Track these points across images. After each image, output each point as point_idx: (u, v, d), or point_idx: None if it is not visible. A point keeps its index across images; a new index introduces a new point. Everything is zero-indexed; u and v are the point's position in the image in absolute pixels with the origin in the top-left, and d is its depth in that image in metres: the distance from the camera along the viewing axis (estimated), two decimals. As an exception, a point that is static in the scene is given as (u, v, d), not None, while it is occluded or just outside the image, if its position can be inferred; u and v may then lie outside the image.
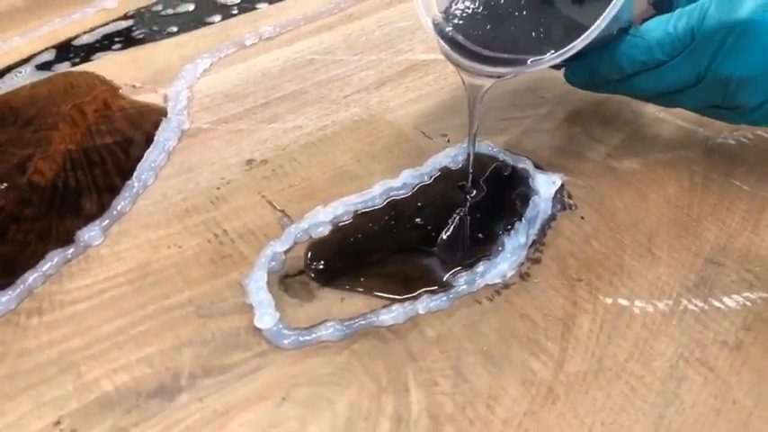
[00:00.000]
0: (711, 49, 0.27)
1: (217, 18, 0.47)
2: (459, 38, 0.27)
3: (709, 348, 0.25)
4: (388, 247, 0.28)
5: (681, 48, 0.28)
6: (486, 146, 0.33)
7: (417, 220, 0.29)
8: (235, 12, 0.47)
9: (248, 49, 0.42)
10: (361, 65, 0.40)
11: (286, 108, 0.37)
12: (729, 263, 0.28)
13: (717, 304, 0.26)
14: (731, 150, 0.33)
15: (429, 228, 0.29)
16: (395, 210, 0.30)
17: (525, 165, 0.32)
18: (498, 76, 0.27)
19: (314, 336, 0.25)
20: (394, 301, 0.26)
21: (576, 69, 0.31)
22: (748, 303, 0.26)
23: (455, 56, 0.27)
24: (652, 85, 0.29)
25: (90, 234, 0.29)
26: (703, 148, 0.33)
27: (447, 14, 0.28)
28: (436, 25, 0.28)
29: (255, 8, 0.47)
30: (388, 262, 0.28)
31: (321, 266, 0.28)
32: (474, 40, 0.27)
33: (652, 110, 0.36)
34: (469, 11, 0.29)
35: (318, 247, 0.28)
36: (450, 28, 0.28)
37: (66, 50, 0.44)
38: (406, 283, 0.27)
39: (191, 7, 0.49)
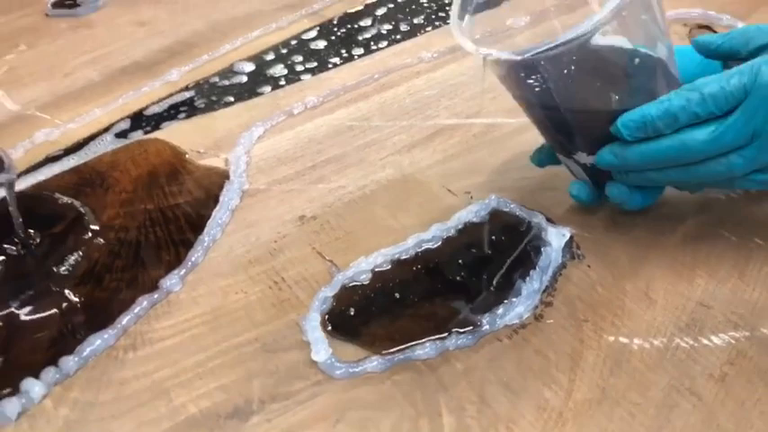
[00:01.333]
0: (766, 105, 0.29)
1: (267, 89, 0.53)
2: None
3: (697, 380, 0.29)
4: (420, 292, 0.33)
5: (734, 102, 0.30)
6: (504, 202, 0.38)
7: (446, 268, 0.35)
8: (282, 83, 0.54)
9: (296, 117, 0.48)
10: (394, 130, 0.46)
11: (330, 170, 0.42)
12: (717, 305, 0.32)
13: (705, 342, 0.30)
14: (722, 205, 0.38)
15: (456, 275, 0.34)
16: (426, 259, 0.35)
17: (538, 219, 0.37)
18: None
19: (361, 368, 0.30)
20: (427, 339, 0.31)
21: (629, 120, 0.31)
22: (733, 341, 0.30)
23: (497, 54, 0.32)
24: (708, 144, 0.30)
25: (171, 282, 0.35)
26: (697, 203, 0.38)
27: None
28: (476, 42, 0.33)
29: (300, 79, 0.54)
30: (420, 305, 0.33)
31: (364, 312, 0.33)
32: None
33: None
34: None
35: (362, 293, 0.34)
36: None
37: (138, 120, 0.51)
38: (438, 324, 0.32)
39: (244, 79, 0.55)
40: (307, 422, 0.28)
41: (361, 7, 0.64)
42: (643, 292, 0.33)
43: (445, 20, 0.61)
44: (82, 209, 0.40)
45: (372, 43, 0.59)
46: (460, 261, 0.35)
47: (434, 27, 0.60)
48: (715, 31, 0.54)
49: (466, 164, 0.42)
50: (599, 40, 0.31)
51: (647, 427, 0.27)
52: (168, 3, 0.66)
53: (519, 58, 0.31)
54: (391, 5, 0.65)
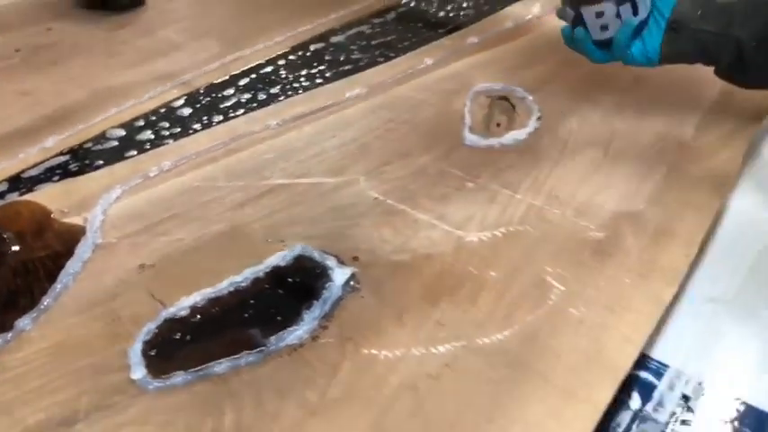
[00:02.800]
0: None
1: (134, 153, 0.62)
2: None
3: (421, 379, 0.39)
4: (226, 322, 0.43)
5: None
6: (308, 248, 0.48)
7: (251, 302, 0.44)
8: (147, 147, 0.62)
9: (152, 179, 0.57)
10: (232, 189, 0.55)
11: (174, 224, 0.51)
12: (449, 323, 0.43)
13: (433, 350, 0.41)
14: (478, 245, 0.49)
15: (256, 308, 0.43)
16: (235, 296, 0.44)
17: (331, 262, 0.47)
18: None
19: (169, 382, 0.39)
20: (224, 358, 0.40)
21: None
22: (452, 349, 0.41)
23: None
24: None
25: (24, 323, 0.43)
26: (454, 244, 0.49)
27: None
28: None
29: (163, 144, 0.63)
30: (224, 332, 0.42)
31: (180, 339, 0.41)
32: None
33: (425, 217, 0.51)
34: None
35: (180, 325, 0.42)
36: None
37: (16, 182, 0.58)
38: (236, 346, 0.41)
39: (115, 143, 0.64)
40: (121, 426, 0.37)
41: (226, 77, 0.74)
42: (398, 316, 0.43)
43: (297, 91, 0.71)
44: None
45: (231, 111, 0.69)
46: (262, 297, 0.44)
47: (287, 96, 0.71)
48: (512, 104, 0.67)
49: (287, 218, 0.52)
50: None
51: (377, 414, 0.37)
52: (52, 74, 0.74)
53: None
54: (253, 76, 0.75)
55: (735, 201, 0.55)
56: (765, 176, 0.58)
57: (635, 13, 0.57)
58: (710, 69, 0.59)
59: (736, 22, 0.54)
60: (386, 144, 0.61)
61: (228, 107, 0.69)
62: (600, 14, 0.58)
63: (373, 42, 0.83)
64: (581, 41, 0.60)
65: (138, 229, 0.51)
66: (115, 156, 0.62)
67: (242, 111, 0.69)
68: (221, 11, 0.89)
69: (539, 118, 0.64)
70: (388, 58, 0.78)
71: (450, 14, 0.91)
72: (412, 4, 0.94)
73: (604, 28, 0.58)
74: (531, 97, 0.67)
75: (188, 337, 0.42)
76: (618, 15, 0.57)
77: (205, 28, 0.84)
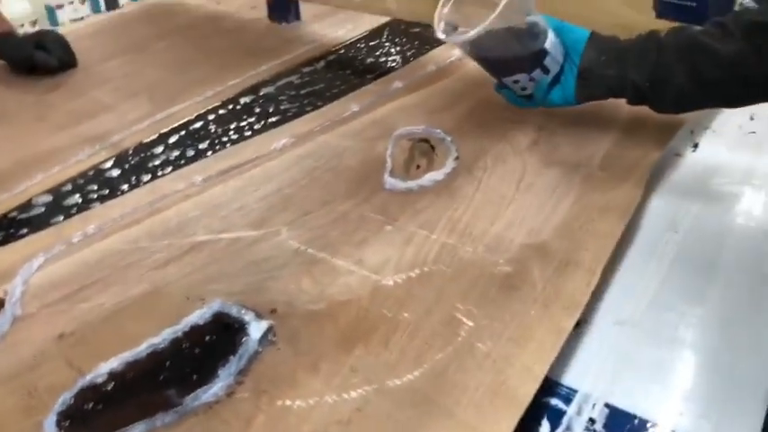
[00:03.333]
0: None
1: (60, 218, 0.62)
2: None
3: (331, 427, 0.40)
4: (142, 385, 0.43)
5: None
6: (226, 305, 0.49)
7: (168, 362, 0.45)
8: (74, 212, 0.63)
9: (75, 244, 0.57)
10: (156, 249, 0.56)
11: (95, 290, 0.52)
12: (362, 368, 0.44)
13: (345, 395, 0.42)
14: (393, 288, 0.51)
15: (172, 369, 0.44)
16: (152, 358, 0.45)
17: (249, 317, 0.48)
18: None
19: (82, 451, 0.39)
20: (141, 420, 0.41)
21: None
22: (364, 393, 0.42)
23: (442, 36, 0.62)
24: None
25: (-61, 402, 0.43)
26: (371, 288, 0.51)
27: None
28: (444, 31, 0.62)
29: (90, 208, 0.64)
30: (141, 395, 0.43)
31: (95, 407, 0.42)
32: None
33: (343, 264, 0.53)
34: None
35: (95, 392, 0.43)
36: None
37: (-63, 255, 0.58)
38: (153, 408, 0.42)
39: (42, 210, 0.64)
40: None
41: (155, 136, 0.76)
42: (313, 365, 0.45)
43: (225, 145, 0.73)
44: None
45: (160, 169, 0.70)
46: (179, 357, 0.45)
47: (215, 151, 0.72)
48: (432, 145, 0.70)
49: (208, 274, 0.54)
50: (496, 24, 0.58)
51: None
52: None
53: (456, 40, 0.61)
54: (182, 133, 0.77)
55: (642, 226, 0.59)
56: (670, 201, 0.62)
57: (546, 72, 0.65)
58: (621, 100, 0.65)
59: (630, 67, 0.62)
60: (309, 193, 0.63)
61: (157, 166, 0.71)
62: (516, 81, 0.66)
63: (302, 92, 0.86)
64: (507, 97, 0.69)
65: (59, 298, 0.52)
66: (41, 223, 0.62)
67: (170, 168, 0.70)
68: (153, 69, 0.92)
69: (456, 158, 0.67)
70: (315, 107, 0.81)
71: (379, 60, 0.94)
72: (341, 52, 0.97)
73: (523, 89, 0.67)
74: (449, 138, 0.70)
75: (103, 405, 0.42)
76: (531, 79, 0.65)
77: (136, 87, 0.86)
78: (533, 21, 0.64)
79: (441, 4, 0.64)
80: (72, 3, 2.69)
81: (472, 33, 0.58)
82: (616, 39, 0.65)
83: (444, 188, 0.63)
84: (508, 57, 0.64)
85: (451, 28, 0.64)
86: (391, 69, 0.90)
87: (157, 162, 0.72)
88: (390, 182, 0.64)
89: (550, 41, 0.64)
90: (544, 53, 0.64)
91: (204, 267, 0.54)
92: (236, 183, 0.66)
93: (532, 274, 0.52)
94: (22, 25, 2.46)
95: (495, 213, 0.59)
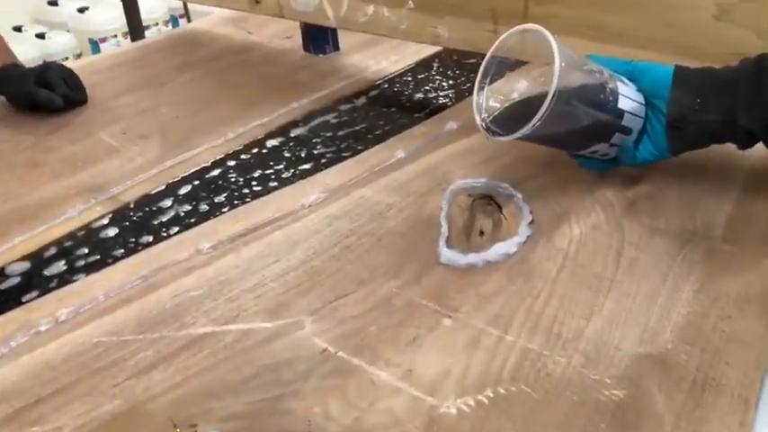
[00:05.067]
0: None
1: (34, 294, 0.50)
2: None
3: None
4: None
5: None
6: (228, 435, 0.36)
7: None
8: (53, 285, 0.51)
9: (42, 334, 0.45)
10: (142, 345, 0.43)
11: (53, 405, 0.39)
12: None
13: None
14: (457, 420, 0.36)
15: None
16: None
17: None
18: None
19: None
20: None
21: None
22: None
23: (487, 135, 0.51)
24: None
25: None
26: (425, 418, 0.36)
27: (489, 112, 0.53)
28: (483, 119, 0.52)
29: (73, 280, 0.51)
30: None
31: None
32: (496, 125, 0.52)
33: (386, 377, 0.39)
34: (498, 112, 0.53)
35: None
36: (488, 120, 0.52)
37: None
38: None
39: (16, 281, 0.52)
40: None
41: (163, 187, 0.64)
42: None
43: (245, 198, 0.61)
44: None
45: (164, 229, 0.58)
46: None
47: (232, 206, 0.60)
48: (498, 204, 0.55)
49: (205, 385, 0.40)
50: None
51: None
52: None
53: (511, 137, 0.49)
54: (196, 182, 0.64)
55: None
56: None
57: (627, 133, 0.52)
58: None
59: (740, 113, 0.48)
60: (342, 268, 0.49)
61: (162, 224, 0.58)
62: (594, 152, 0.55)
63: (339, 133, 0.73)
64: (585, 165, 0.57)
65: (6, 416, 0.39)
66: (11, 300, 0.50)
67: (177, 228, 0.57)
68: (169, 107, 0.80)
69: (531, 222, 0.53)
70: (354, 152, 0.68)
71: (428, 96, 0.81)
72: (385, 87, 0.84)
73: (604, 155, 0.55)
74: (519, 195, 0.56)
75: None
76: (612, 145, 0.53)
77: (148, 128, 0.74)
78: (595, 73, 0.50)
79: (476, 91, 0.53)
80: (115, 36, 2.68)
81: (525, 129, 0.47)
82: (711, 71, 0.50)
83: (518, 264, 0.48)
84: (574, 132, 0.51)
85: (497, 109, 0.53)
86: (443, 107, 0.77)
87: (164, 219, 0.59)
88: (447, 254, 0.50)
89: (625, 93, 0.51)
90: (620, 112, 0.51)
91: (201, 374, 0.41)
92: (250, 251, 0.52)
93: (654, 404, 0.36)
94: (66, 58, 2.47)
95: (590, 303, 0.44)
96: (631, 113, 0.52)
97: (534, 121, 0.47)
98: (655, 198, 0.55)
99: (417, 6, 0.76)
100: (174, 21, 2.55)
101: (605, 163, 0.56)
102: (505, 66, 0.54)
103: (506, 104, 0.55)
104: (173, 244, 0.54)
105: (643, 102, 0.53)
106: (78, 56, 2.43)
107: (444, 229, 0.52)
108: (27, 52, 2.24)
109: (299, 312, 0.45)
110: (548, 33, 0.48)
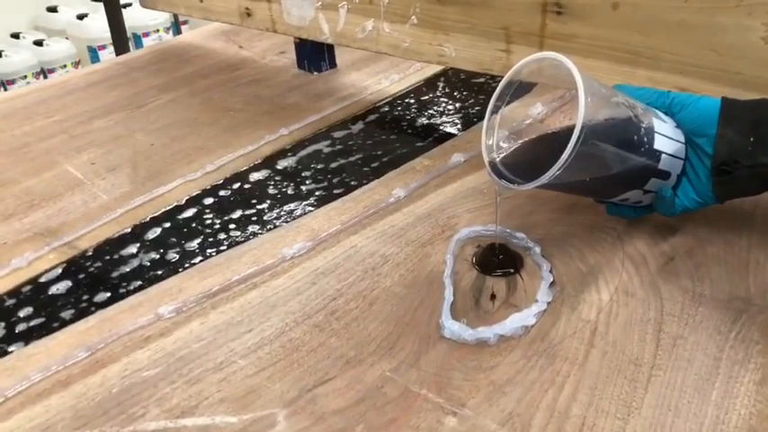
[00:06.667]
0: None
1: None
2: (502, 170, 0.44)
3: None
4: None
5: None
6: None
7: None
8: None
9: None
10: (76, 447, 0.36)
11: None
12: None
13: None
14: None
15: None
16: None
17: None
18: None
19: None
20: None
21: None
22: None
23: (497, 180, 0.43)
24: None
25: None
26: None
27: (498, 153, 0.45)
28: (491, 164, 0.44)
29: (9, 351, 0.43)
30: None
31: None
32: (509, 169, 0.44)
33: None
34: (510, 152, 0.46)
35: None
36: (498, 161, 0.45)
37: None
38: None
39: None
40: None
41: (128, 229, 0.56)
42: None
43: (220, 245, 0.53)
44: None
45: (125, 283, 0.50)
46: None
47: (205, 256, 0.52)
48: (513, 258, 0.48)
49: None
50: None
51: None
52: None
53: (527, 187, 0.41)
54: (167, 225, 0.56)
55: None
56: None
57: (665, 177, 0.44)
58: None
59: None
60: (325, 342, 0.41)
61: (123, 276, 0.50)
62: (625, 199, 0.47)
63: (332, 165, 0.65)
64: (615, 213, 0.49)
65: None
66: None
67: (139, 283, 0.50)
68: (145, 134, 0.71)
69: (551, 284, 0.45)
70: (348, 189, 0.60)
71: (432, 122, 0.73)
72: (384, 110, 0.76)
73: (637, 202, 0.48)
74: (538, 249, 0.48)
75: None
76: (647, 192, 0.45)
77: (118, 158, 0.66)
78: (626, 108, 0.42)
79: (483, 132, 0.45)
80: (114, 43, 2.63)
81: (545, 177, 0.39)
82: (765, 103, 0.42)
83: (538, 341, 0.40)
84: (602, 179, 0.43)
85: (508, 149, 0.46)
86: (449, 135, 0.69)
87: (125, 270, 0.51)
88: (452, 328, 0.41)
89: (662, 131, 0.43)
90: (657, 154, 0.43)
91: (143, 492, 0.33)
92: (220, 316, 0.44)
93: None
94: (65, 66, 2.41)
95: (627, 398, 0.36)
96: (670, 155, 0.44)
97: (555, 169, 0.39)
98: (696, 255, 0.46)
99: (421, 22, 0.68)
100: (174, 28, 2.49)
101: (638, 210, 0.48)
102: (520, 90, 0.46)
103: (519, 142, 0.47)
104: (130, 305, 0.46)
105: (683, 141, 0.45)
106: (76, 64, 2.37)
107: (449, 293, 0.44)
108: (25, 60, 2.18)
109: (270, 402, 0.37)
110: (570, 63, 0.40)
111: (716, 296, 0.42)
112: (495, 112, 0.45)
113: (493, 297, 0.44)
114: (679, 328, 0.40)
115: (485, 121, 0.45)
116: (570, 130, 0.39)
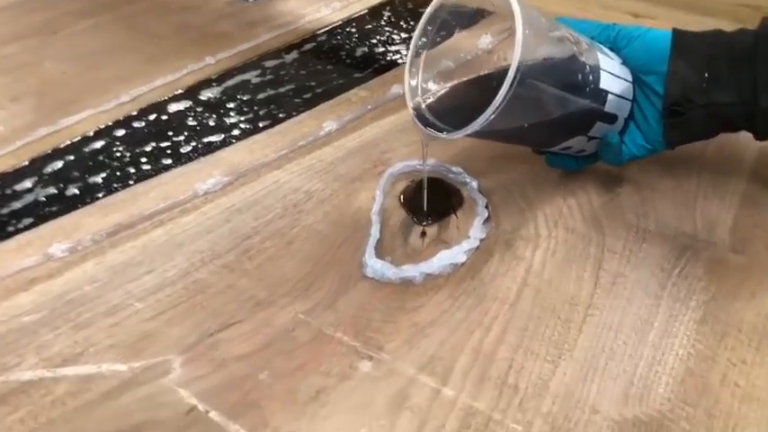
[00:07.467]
0: None
1: None
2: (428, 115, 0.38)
3: None
4: None
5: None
6: None
7: None
8: None
9: None
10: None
11: None
12: None
13: None
14: None
15: None
16: None
17: None
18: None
19: None
20: None
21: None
22: None
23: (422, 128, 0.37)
24: None
25: None
26: None
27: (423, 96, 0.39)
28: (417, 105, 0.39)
29: None
30: None
31: None
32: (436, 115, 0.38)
33: None
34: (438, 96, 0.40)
35: None
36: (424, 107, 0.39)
37: None
38: None
39: None
40: None
41: (26, 162, 0.49)
42: None
43: (128, 180, 0.48)
44: None
45: (14, 221, 0.43)
46: None
47: (110, 190, 0.46)
48: (448, 194, 0.44)
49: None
50: None
51: None
52: None
53: (455, 135, 0.35)
54: (70, 158, 0.50)
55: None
56: None
57: (611, 120, 0.40)
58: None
59: (759, 87, 0.36)
60: (234, 283, 0.37)
61: (13, 213, 0.45)
62: (567, 148, 0.42)
63: (260, 96, 0.59)
64: (555, 164, 0.45)
65: None
66: None
67: (31, 220, 0.44)
68: (57, 61, 0.63)
69: (486, 220, 0.41)
70: (275, 121, 0.55)
71: (375, 51, 0.68)
72: (322, 39, 0.71)
73: (581, 151, 0.42)
74: (474, 183, 0.44)
75: None
76: (591, 138, 0.40)
77: (25, 86, 0.59)
78: (568, 43, 0.37)
79: (406, 72, 0.39)
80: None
81: (475, 124, 0.34)
82: (721, 35, 0.39)
83: (467, 279, 0.37)
84: (541, 124, 0.38)
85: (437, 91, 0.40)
86: (391, 65, 0.64)
87: (17, 206, 0.46)
88: (375, 266, 0.37)
89: (608, 69, 0.39)
90: (602, 95, 0.38)
91: (9, 447, 0.29)
92: (119, 256, 0.39)
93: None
94: None
95: (559, 340, 0.33)
96: (617, 95, 0.39)
97: (488, 113, 0.33)
98: (642, 191, 0.43)
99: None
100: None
101: (581, 160, 0.44)
102: (460, 18, 0.40)
103: (449, 85, 0.41)
104: (17, 244, 0.41)
105: (631, 80, 0.40)
106: None
107: (375, 230, 0.40)
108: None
109: (166, 348, 0.33)
110: None
111: (661, 231, 0.40)
112: (421, 47, 0.40)
113: (423, 234, 0.40)
114: (620, 266, 0.37)
115: (408, 58, 0.39)
116: (506, 70, 0.33)
